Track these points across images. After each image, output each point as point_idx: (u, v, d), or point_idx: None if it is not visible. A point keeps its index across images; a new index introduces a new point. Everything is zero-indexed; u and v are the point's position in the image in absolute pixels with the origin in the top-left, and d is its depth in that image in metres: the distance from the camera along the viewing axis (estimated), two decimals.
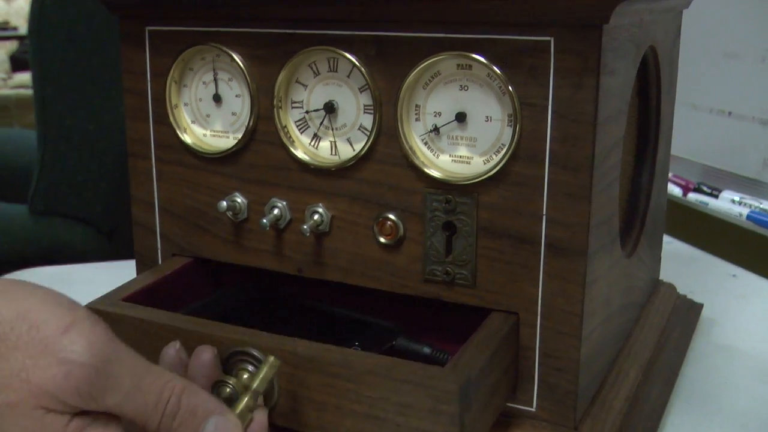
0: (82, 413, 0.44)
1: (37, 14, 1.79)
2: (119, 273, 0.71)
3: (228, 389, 0.51)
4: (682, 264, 1.04)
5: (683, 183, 1.22)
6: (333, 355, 0.53)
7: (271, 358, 0.51)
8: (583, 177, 0.54)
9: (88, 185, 1.84)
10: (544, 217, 0.55)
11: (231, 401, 0.50)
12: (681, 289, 0.89)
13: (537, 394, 0.58)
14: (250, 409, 0.50)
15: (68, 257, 1.76)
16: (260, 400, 0.51)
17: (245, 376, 0.52)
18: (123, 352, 0.46)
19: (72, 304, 0.46)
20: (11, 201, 1.93)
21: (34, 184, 1.83)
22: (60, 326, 0.44)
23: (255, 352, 0.52)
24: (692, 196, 1.18)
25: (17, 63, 4.24)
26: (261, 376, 0.51)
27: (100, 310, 0.58)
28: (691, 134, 1.26)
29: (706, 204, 1.15)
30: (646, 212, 0.74)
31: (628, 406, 0.64)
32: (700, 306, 0.88)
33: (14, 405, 0.43)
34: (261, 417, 0.51)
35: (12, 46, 4.38)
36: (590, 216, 0.54)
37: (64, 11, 1.79)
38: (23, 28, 4.28)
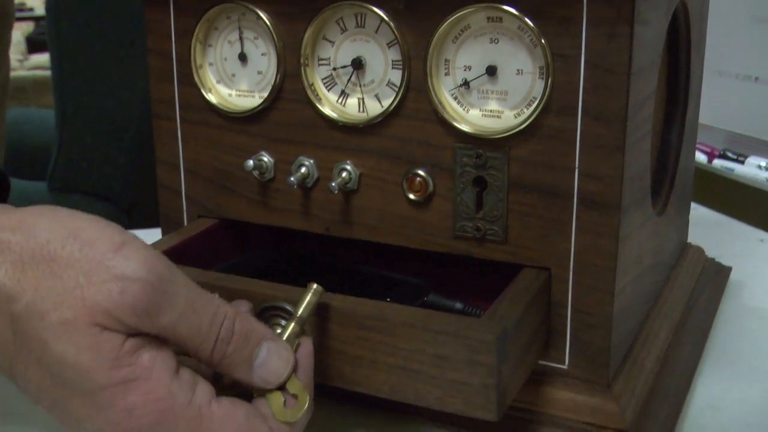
0: (137, 335, 0.43)
1: None
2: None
3: None
4: (709, 229, 1.03)
5: (708, 150, 1.21)
6: (367, 308, 0.52)
7: (315, 285, 0.51)
8: (617, 128, 0.53)
9: (106, 162, 1.84)
10: (576, 171, 0.54)
11: None
12: (708, 254, 0.88)
13: (569, 351, 0.58)
14: (296, 335, 0.50)
15: None
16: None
17: (278, 331, 0.51)
18: (176, 273, 0.45)
19: (120, 227, 0.45)
20: (30, 179, 1.94)
21: (53, 162, 1.83)
22: (113, 244, 0.43)
23: (287, 306, 0.51)
24: (717, 163, 1.17)
25: (33, 44, 4.24)
26: (305, 302, 0.50)
27: None
28: (717, 100, 1.24)
29: (732, 170, 1.14)
30: (675, 171, 0.73)
31: (660, 365, 0.63)
32: (728, 269, 0.87)
33: (69, 322, 0.42)
34: (307, 344, 0.50)
35: (28, 27, 4.38)
36: (623, 169, 0.53)
37: None
38: (39, 10, 4.28)
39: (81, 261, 0.43)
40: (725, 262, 0.89)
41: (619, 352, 0.59)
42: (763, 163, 1.11)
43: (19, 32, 4.44)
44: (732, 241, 1.00)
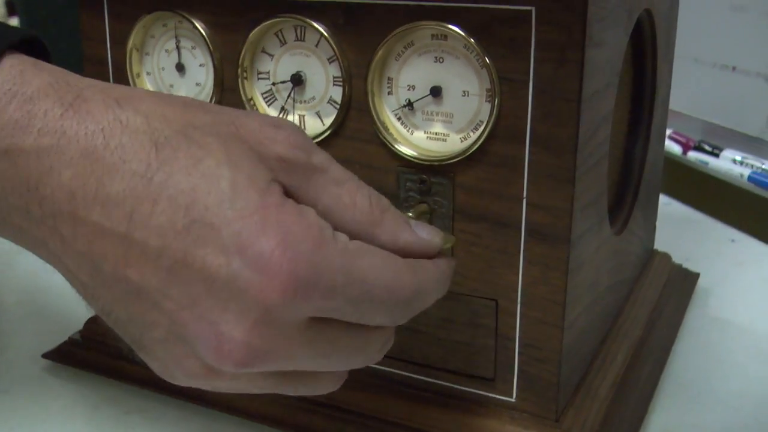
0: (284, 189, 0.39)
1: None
2: None
3: None
4: (678, 228, 1.00)
5: (683, 140, 1.18)
6: None
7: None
8: (567, 158, 0.50)
9: None
10: (524, 201, 0.51)
11: None
12: (676, 256, 0.86)
13: (517, 384, 0.55)
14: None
15: None
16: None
17: None
18: None
19: None
20: None
21: None
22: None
23: None
24: (692, 155, 1.14)
25: (14, 8, 4.16)
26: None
27: None
28: (693, 89, 1.21)
29: (706, 163, 1.11)
30: (639, 183, 0.70)
31: (615, 391, 0.61)
32: (696, 276, 0.84)
33: (229, 144, 0.38)
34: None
35: None
36: (574, 200, 0.50)
37: None
38: None
39: (230, 110, 0.41)
40: (693, 265, 0.86)
41: (570, 384, 0.57)
42: (738, 158, 1.09)
43: None
44: (702, 241, 0.97)
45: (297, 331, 0.37)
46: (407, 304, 0.41)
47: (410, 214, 0.52)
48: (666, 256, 0.83)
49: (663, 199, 0.85)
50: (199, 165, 0.37)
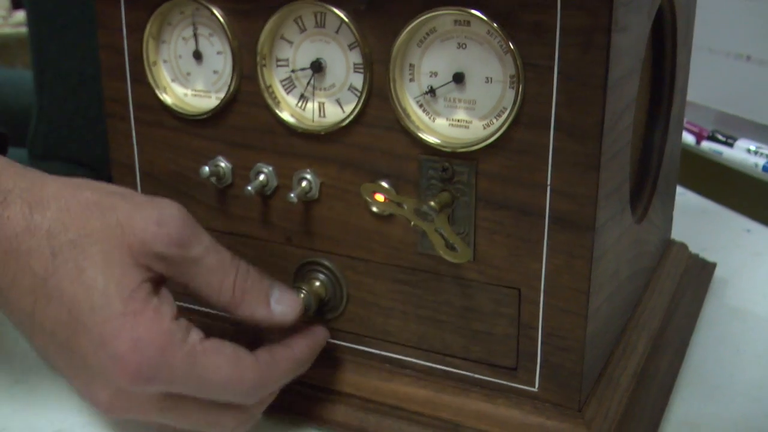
0: (156, 281, 0.50)
1: None
2: None
3: (301, 295, 0.57)
4: (694, 218, 1.00)
5: (696, 130, 1.17)
6: (401, 263, 0.57)
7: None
8: (592, 145, 0.49)
9: (87, 129, 1.79)
10: (548, 188, 0.51)
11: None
12: (693, 246, 0.85)
13: (540, 374, 0.55)
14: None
15: None
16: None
17: (317, 284, 0.59)
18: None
19: None
20: (11, 144, 1.89)
21: (32, 129, 1.78)
22: (146, 196, 0.52)
23: (326, 262, 0.58)
24: (706, 145, 1.13)
25: (18, 0, 4.15)
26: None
27: None
28: (707, 79, 1.20)
29: (720, 153, 1.10)
30: (658, 172, 0.70)
31: (636, 382, 0.60)
32: (713, 266, 0.84)
33: (108, 254, 0.48)
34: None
35: None
36: (599, 187, 0.50)
37: None
38: None
39: (122, 206, 0.50)
40: (710, 255, 0.86)
41: (592, 373, 0.56)
42: (752, 147, 1.08)
43: None
44: (718, 231, 0.97)
45: (150, 402, 0.49)
46: (248, 393, 0.51)
47: (432, 203, 0.52)
48: (683, 246, 0.83)
49: (677, 190, 0.84)
50: (82, 275, 0.48)
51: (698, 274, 0.81)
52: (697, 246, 0.86)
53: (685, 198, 1.06)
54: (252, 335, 0.55)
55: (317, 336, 0.57)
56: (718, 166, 1.08)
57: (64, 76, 1.82)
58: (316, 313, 0.59)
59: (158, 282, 0.50)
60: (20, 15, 4.14)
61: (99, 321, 0.47)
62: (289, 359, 0.54)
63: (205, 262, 0.51)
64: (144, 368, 0.47)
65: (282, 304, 0.54)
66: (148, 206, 0.50)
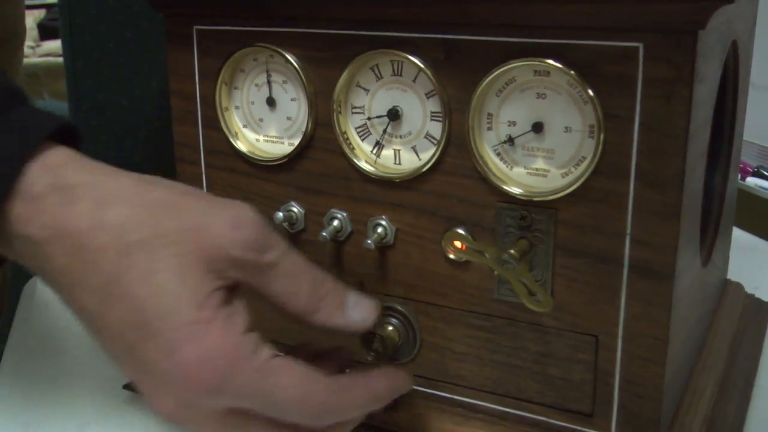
0: (230, 288, 0.47)
1: None
2: None
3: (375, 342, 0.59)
4: (743, 255, 0.99)
5: (741, 166, 1.17)
6: (476, 308, 0.57)
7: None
8: (673, 195, 0.50)
9: (120, 160, 1.81)
10: (627, 237, 0.51)
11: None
12: (745, 284, 0.85)
13: (616, 420, 0.55)
14: None
15: None
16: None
17: (389, 329, 0.59)
18: None
19: None
20: None
21: None
22: (223, 200, 0.49)
23: (400, 308, 0.59)
24: (751, 180, 1.13)
25: (45, 31, 4.20)
26: None
27: None
28: (750, 114, 1.20)
29: (767, 189, 1.10)
30: (720, 215, 0.70)
31: (707, 428, 0.60)
32: None
33: (182, 256, 0.46)
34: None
35: (40, 14, 4.34)
36: (679, 236, 0.50)
37: None
38: None
39: (197, 208, 0.48)
40: (764, 293, 0.86)
41: (666, 419, 0.56)
42: None
43: (30, 18, 4.40)
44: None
45: (214, 415, 0.47)
46: (316, 416, 0.49)
47: (512, 252, 0.52)
48: (738, 286, 0.82)
49: None
50: (154, 278, 0.46)
51: (756, 315, 0.80)
52: (749, 284, 0.86)
53: (733, 235, 1.06)
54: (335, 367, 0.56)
55: (400, 379, 0.54)
56: (764, 202, 1.07)
57: (99, 109, 1.84)
58: (389, 357, 0.59)
59: (231, 290, 0.48)
60: (48, 45, 4.20)
61: (169, 327, 0.45)
62: (366, 391, 0.51)
63: (281, 267, 0.49)
64: (211, 380, 0.45)
65: (358, 310, 0.52)
66: (222, 208, 0.48)
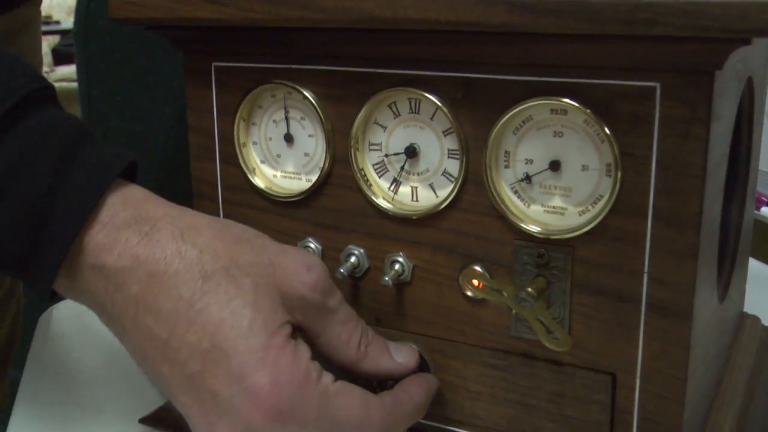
0: (293, 328, 0.50)
1: (82, 15, 1.77)
2: None
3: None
4: (759, 286, 0.99)
5: (756, 196, 1.17)
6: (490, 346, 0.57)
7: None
8: (691, 234, 0.50)
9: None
10: (645, 275, 0.51)
11: None
12: (762, 316, 0.84)
13: None
14: None
15: None
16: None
17: None
18: None
19: None
20: None
21: None
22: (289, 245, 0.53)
23: (415, 347, 0.58)
24: (765, 210, 1.13)
25: (59, 56, 4.24)
26: None
27: None
28: (765, 143, 1.20)
29: None
30: (736, 249, 0.70)
31: None
32: None
33: (260, 286, 0.48)
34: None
35: (54, 39, 4.38)
36: (696, 275, 0.50)
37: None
38: (65, 23, 4.27)
39: (273, 247, 0.51)
40: None
41: None
42: None
43: (45, 44, 4.44)
44: None
45: None
46: None
47: (529, 290, 0.52)
48: (756, 319, 0.82)
49: None
50: (231, 302, 0.47)
51: None
52: (766, 315, 0.85)
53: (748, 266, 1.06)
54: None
55: (430, 382, 0.57)
56: None
57: (113, 135, 1.86)
58: None
59: (295, 329, 0.50)
60: (62, 70, 4.23)
61: (242, 350, 0.46)
62: (410, 402, 0.54)
63: (339, 314, 0.52)
64: (280, 405, 0.46)
65: (402, 354, 0.55)
66: (295, 251, 0.52)
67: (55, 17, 4.39)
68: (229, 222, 0.52)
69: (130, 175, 0.52)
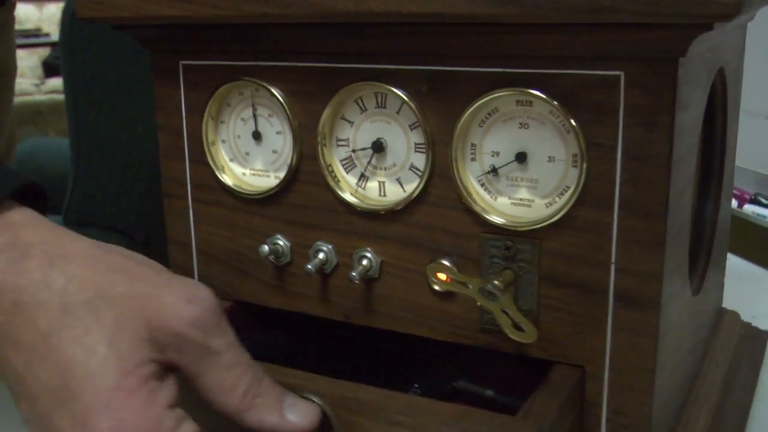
0: (164, 366, 0.45)
1: (67, 26, 1.77)
2: None
3: None
4: (740, 283, 0.98)
5: (738, 194, 1.17)
6: (397, 402, 0.50)
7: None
8: (657, 223, 0.49)
9: (122, 195, 1.82)
10: (612, 266, 0.51)
11: None
12: (742, 313, 0.84)
13: None
14: None
15: None
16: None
17: None
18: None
19: None
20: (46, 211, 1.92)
21: (68, 195, 1.81)
22: (183, 277, 0.48)
23: (314, 398, 0.50)
24: (748, 208, 1.13)
25: (50, 68, 4.24)
26: None
27: None
28: (747, 142, 1.20)
29: (765, 217, 1.10)
30: (712, 243, 0.69)
31: None
32: (766, 335, 0.83)
33: (122, 322, 0.44)
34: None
35: (44, 52, 4.38)
36: (664, 264, 0.50)
37: (95, 23, 1.77)
38: (55, 35, 4.27)
39: (153, 278, 0.46)
40: (761, 322, 0.85)
41: None
42: None
43: (35, 57, 4.45)
44: (766, 296, 0.96)
45: None
46: None
47: (496, 282, 0.52)
48: (735, 315, 0.82)
49: None
50: (86, 337, 0.44)
51: (752, 344, 0.80)
52: (746, 312, 0.85)
53: (729, 263, 1.05)
54: None
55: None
56: (762, 230, 1.07)
57: (100, 144, 1.85)
58: None
59: (167, 369, 0.46)
60: (53, 82, 4.24)
61: (88, 391, 0.43)
62: None
63: (223, 357, 0.46)
64: None
65: (296, 412, 0.49)
66: (180, 284, 0.47)
67: (45, 30, 4.40)
68: (112, 249, 0.48)
69: (37, 202, 0.50)
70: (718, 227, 0.70)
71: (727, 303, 0.84)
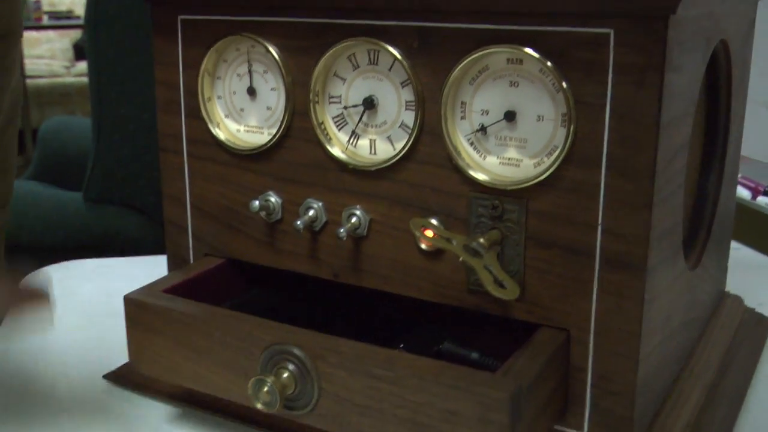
0: None
1: (92, 5, 1.78)
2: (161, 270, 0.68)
3: (266, 388, 0.51)
4: (750, 273, 0.97)
5: (752, 185, 1.15)
6: (378, 355, 0.50)
7: None
8: (644, 184, 0.49)
9: (141, 174, 1.83)
10: (599, 228, 0.50)
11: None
12: (749, 301, 0.83)
13: (588, 418, 0.54)
14: None
15: (121, 245, 1.76)
16: None
17: (285, 375, 0.51)
18: None
19: None
20: (66, 188, 1.93)
21: (88, 173, 1.82)
22: None
23: (296, 351, 0.50)
24: (762, 200, 1.11)
25: (81, 51, 4.27)
26: None
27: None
28: (762, 134, 1.19)
29: None
30: (712, 219, 0.68)
31: None
32: None
33: None
34: None
35: (76, 34, 4.42)
36: (651, 227, 0.49)
37: (119, 1, 1.78)
38: None
39: None
40: (766, 310, 0.84)
41: (643, 420, 0.55)
42: None
43: (67, 39, 4.49)
44: None
45: None
46: None
47: (481, 240, 0.51)
48: (738, 299, 0.81)
49: (733, 245, 0.83)
50: None
51: (754, 329, 0.79)
52: (753, 300, 0.84)
53: (741, 253, 1.04)
54: None
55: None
56: None
57: (121, 123, 1.86)
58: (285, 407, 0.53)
59: None
60: (82, 65, 4.26)
61: None
62: None
63: None
64: None
65: None
66: None
67: (77, 12, 4.43)
68: None
69: None
70: (720, 207, 0.69)
71: (736, 291, 0.82)
